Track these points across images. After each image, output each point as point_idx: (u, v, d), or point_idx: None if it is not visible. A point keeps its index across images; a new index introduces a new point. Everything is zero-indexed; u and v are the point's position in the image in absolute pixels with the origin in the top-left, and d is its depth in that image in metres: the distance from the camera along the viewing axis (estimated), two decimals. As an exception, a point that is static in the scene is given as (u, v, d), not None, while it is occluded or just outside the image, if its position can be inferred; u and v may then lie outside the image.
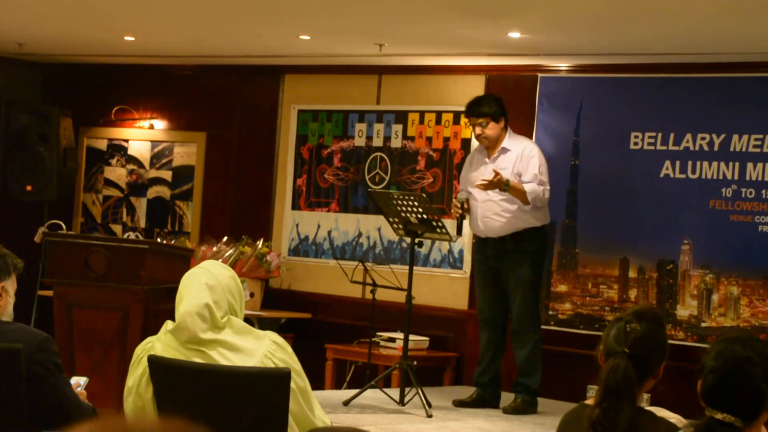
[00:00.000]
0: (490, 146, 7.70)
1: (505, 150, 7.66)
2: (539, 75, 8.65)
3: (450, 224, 7.73)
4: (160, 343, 4.25)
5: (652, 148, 8.22)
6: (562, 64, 8.61)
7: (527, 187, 7.50)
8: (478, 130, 7.68)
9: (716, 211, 7.96)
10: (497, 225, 7.63)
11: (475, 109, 7.69)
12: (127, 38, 9.09)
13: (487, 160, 7.72)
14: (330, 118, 9.66)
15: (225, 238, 9.39)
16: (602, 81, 8.50)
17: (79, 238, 7.59)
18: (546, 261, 7.88)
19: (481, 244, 7.79)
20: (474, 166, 7.84)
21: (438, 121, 9.16)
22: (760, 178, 7.84)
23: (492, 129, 7.64)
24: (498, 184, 7.43)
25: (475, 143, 8.97)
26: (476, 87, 8.97)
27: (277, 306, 9.56)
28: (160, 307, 6.72)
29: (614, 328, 3.47)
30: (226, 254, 9.11)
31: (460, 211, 7.65)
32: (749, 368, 3.15)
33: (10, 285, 4.27)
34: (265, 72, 9.94)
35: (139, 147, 10.59)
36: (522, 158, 7.60)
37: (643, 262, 8.23)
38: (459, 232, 7.69)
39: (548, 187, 7.61)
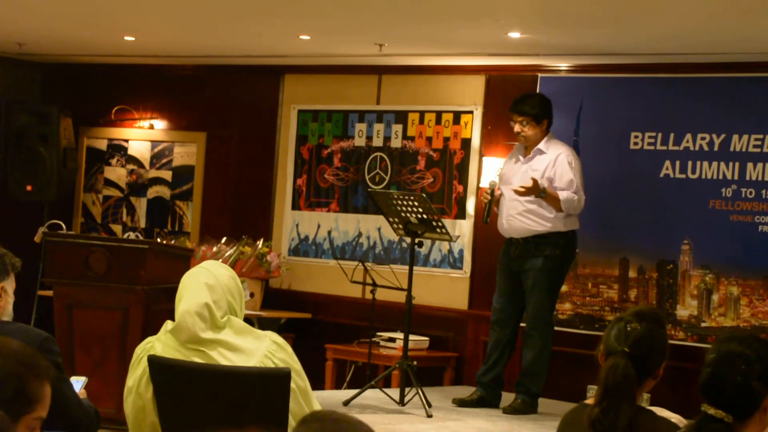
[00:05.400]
0: (528, 145, 7.71)
1: (539, 152, 7.65)
2: (539, 75, 8.65)
3: (449, 225, 7.71)
4: (160, 343, 4.25)
5: (652, 148, 8.21)
6: (562, 64, 8.61)
7: (562, 195, 7.50)
8: (517, 127, 7.67)
9: (716, 211, 7.96)
10: (520, 225, 7.62)
11: (518, 107, 7.70)
12: (127, 38, 9.08)
13: (521, 158, 7.74)
14: (330, 118, 9.66)
15: (225, 238, 9.39)
16: (602, 81, 8.50)
17: (79, 238, 7.60)
18: (568, 267, 7.83)
19: (506, 245, 7.79)
20: (510, 163, 7.86)
21: (438, 121, 9.16)
22: (760, 178, 7.84)
23: (531, 129, 7.64)
24: (535, 191, 7.44)
25: (475, 144, 8.98)
26: (476, 87, 8.98)
27: (277, 306, 9.55)
28: (160, 307, 6.72)
29: (615, 328, 3.47)
30: (226, 254, 9.11)
31: (489, 197, 7.65)
32: (742, 364, 3.14)
33: (9, 285, 4.27)
34: (265, 72, 9.94)
35: (139, 147, 10.58)
36: (555, 164, 7.59)
37: (643, 262, 8.23)
38: (486, 219, 7.70)
39: (583, 196, 7.60)
